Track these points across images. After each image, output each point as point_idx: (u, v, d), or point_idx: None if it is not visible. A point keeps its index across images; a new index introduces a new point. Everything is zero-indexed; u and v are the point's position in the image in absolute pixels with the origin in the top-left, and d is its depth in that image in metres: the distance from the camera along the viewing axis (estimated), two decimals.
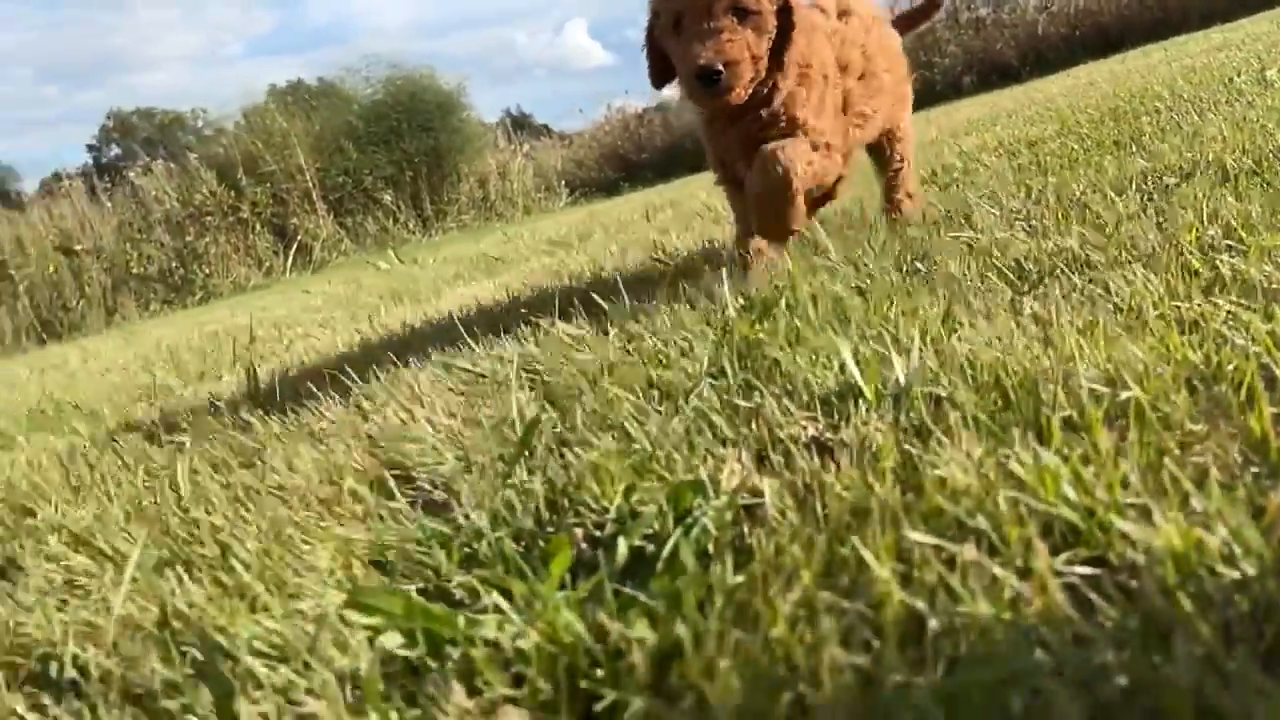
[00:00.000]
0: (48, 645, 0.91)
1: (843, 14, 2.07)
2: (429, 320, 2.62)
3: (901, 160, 2.27)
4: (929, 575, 0.66)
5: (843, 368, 1.13)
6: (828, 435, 1.00)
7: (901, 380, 1.04)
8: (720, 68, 1.71)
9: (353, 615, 0.83)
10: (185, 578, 0.98)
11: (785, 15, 1.82)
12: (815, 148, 1.87)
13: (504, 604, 0.80)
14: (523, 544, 0.95)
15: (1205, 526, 0.62)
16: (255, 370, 2.20)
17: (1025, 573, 0.65)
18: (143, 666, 0.82)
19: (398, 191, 14.04)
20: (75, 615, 0.95)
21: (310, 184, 13.62)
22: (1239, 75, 3.14)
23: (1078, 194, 1.95)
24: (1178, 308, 1.10)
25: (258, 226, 13.30)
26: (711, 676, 0.61)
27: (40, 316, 11.99)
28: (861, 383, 1.06)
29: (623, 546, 0.86)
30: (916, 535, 0.68)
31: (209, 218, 13.02)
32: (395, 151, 13.90)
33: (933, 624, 0.61)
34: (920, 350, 1.08)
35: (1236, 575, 0.58)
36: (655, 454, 1.01)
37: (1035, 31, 13.02)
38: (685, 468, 0.98)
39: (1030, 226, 1.78)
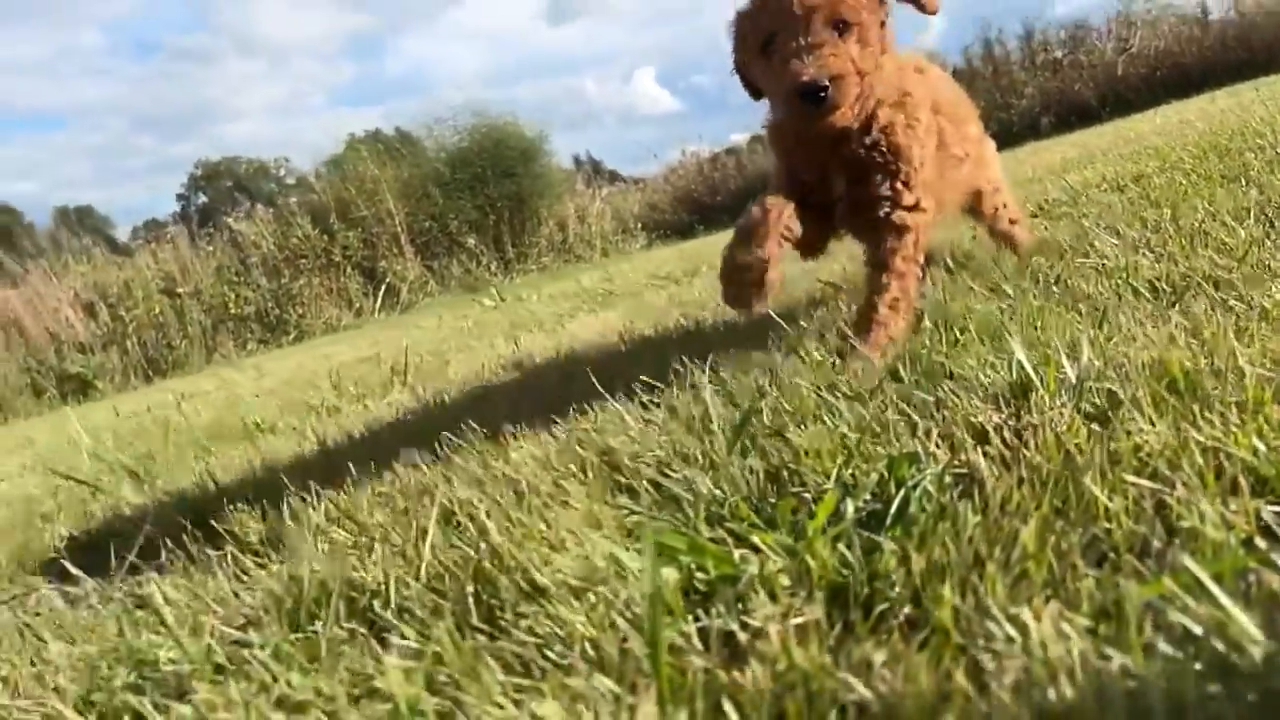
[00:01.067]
0: (373, 585, 1.11)
1: (919, 70, 2.04)
2: (568, 346, 2.83)
3: (998, 209, 2.30)
4: (1146, 508, 0.81)
5: (1012, 368, 1.28)
6: (1011, 422, 1.15)
7: (1073, 376, 1.20)
8: (826, 83, 1.56)
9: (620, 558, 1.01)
10: (470, 533, 1.17)
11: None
12: (916, 205, 1.77)
13: (762, 546, 0.97)
14: (753, 507, 1.12)
15: None
16: (422, 388, 2.42)
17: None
18: (464, 599, 1.01)
19: (480, 235, 14.46)
20: (385, 565, 1.15)
21: (399, 228, 14.13)
22: None
23: (1196, 224, 2.08)
24: None
25: (348, 269, 13.84)
26: (982, 578, 0.77)
27: (147, 355, 12.61)
28: (1037, 378, 1.21)
29: (850, 507, 1.02)
30: (1131, 479, 0.84)
31: (303, 261, 13.60)
32: (479, 197, 14.34)
33: (1155, 543, 0.77)
34: (1088, 351, 1.24)
35: None
36: (862, 438, 1.18)
37: (1114, 73, 13.01)
38: (891, 447, 1.15)
39: (1154, 252, 1.92)
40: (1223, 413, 0.93)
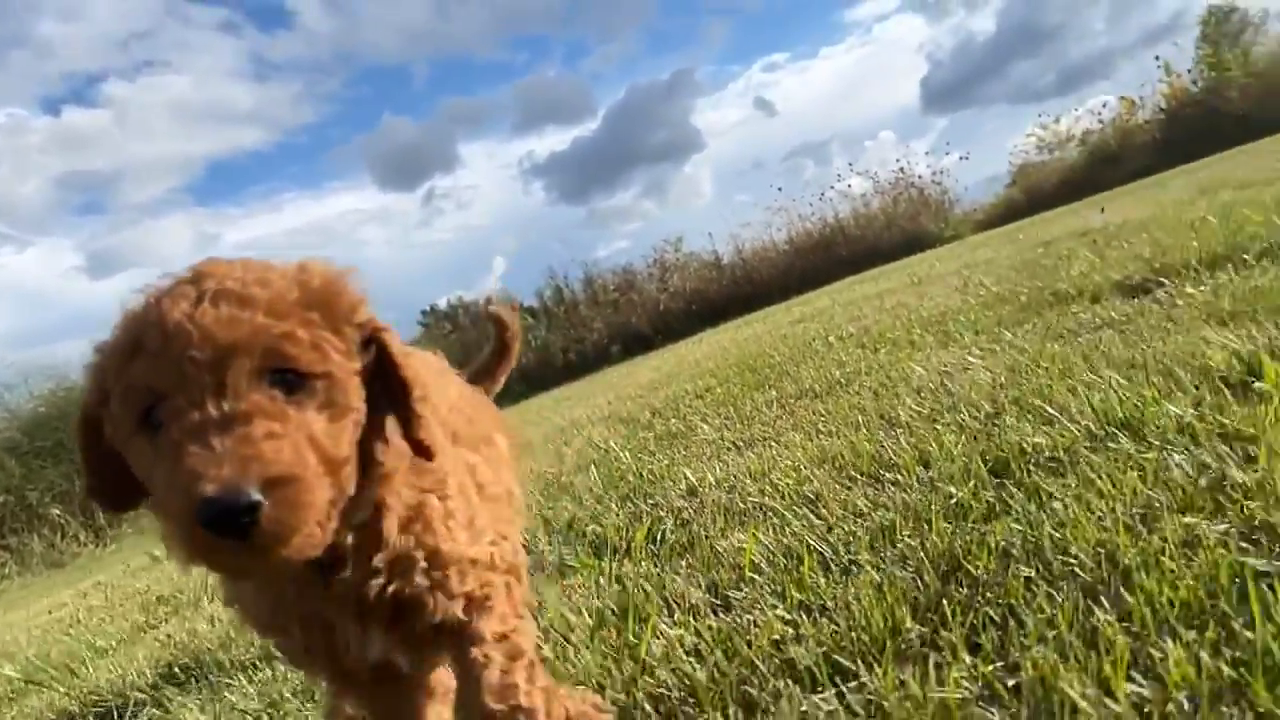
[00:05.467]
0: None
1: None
2: None
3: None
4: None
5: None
6: None
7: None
8: (254, 495, 0.83)
9: None
10: None
11: (383, 369, 1.05)
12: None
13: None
14: None
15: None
16: None
17: None
18: None
19: (66, 505, 13.40)
20: None
21: None
22: (815, 340, 5.12)
23: (748, 411, 3.51)
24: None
25: None
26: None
27: None
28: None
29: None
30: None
31: None
32: (65, 463, 13.41)
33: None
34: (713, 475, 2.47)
35: None
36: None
37: (659, 307, 16.03)
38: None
39: (733, 431, 3.28)
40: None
